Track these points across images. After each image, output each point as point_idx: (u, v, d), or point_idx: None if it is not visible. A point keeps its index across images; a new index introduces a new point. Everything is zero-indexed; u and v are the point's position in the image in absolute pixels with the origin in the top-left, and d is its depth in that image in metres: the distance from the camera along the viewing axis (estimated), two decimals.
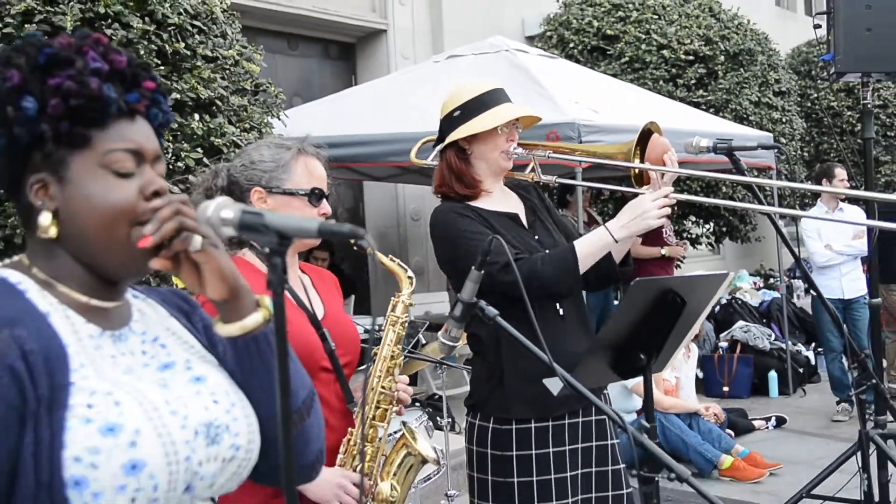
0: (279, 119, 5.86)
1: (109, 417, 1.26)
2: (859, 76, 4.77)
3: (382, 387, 2.41)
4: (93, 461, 1.23)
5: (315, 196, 2.43)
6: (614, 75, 9.28)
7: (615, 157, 2.90)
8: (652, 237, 8.12)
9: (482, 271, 2.25)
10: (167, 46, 4.77)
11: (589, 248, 2.76)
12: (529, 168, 3.03)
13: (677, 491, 5.84)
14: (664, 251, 8.10)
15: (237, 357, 1.46)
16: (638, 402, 6.47)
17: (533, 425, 2.80)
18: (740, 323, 9.40)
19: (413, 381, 6.76)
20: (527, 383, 2.70)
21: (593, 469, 2.89)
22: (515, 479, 2.78)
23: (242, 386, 1.47)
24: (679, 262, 9.02)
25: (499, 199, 2.97)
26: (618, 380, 2.59)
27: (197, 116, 4.86)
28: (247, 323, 1.41)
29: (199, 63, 4.98)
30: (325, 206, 2.43)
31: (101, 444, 1.24)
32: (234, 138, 5.01)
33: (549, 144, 3.03)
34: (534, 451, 2.79)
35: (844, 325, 7.75)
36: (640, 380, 6.11)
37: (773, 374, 8.74)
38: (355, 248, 2.57)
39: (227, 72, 5.25)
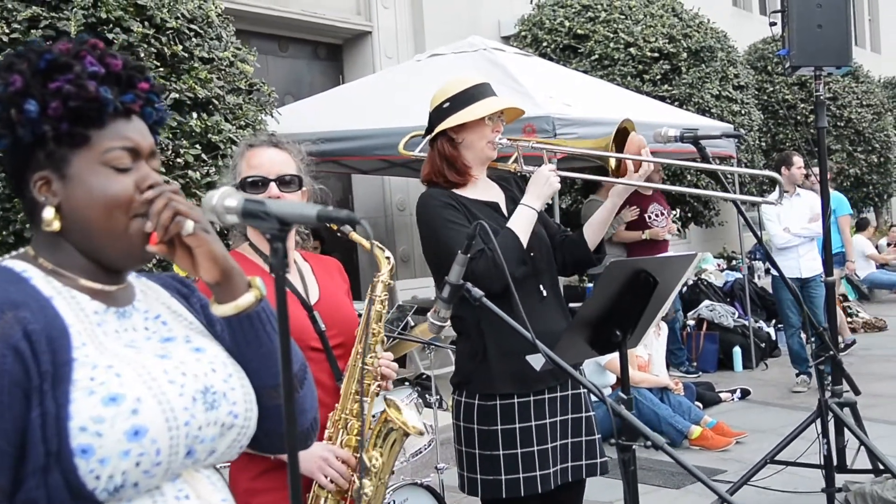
0: (272, 116, 5.85)
1: (111, 388, 1.28)
2: (812, 70, 4.83)
3: (365, 363, 2.41)
4: (98, 430, 1.25)
5: (249, 184, 2.40)
6: (585, 72, 9.30)
7: (595, 149, 2.93)
8: (635, 222, 8.18)
9: (468, 255, 2.26)
10: (166, 49, 4.75)
11: (521, 225, 2.86)
12: (512, 159, 3.05)
13: (651, 460, 5.89)
14: (645, 234, 8.15)
15: (232, 334, 1.48)
16: (611, 378, 6.50)
17: (516, 400, 2.82)
18: (706, 302, 9.46)
19: (402, 362, 6.78)
20: (509, 360, 2.73)
21: (569, 440, 2.93)
22: (501, 452, 2.80)
23: (238, 360, 1.49)
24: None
25: (482, 189, 3.00)
26: (595, 355, 2.61)
27: (195, 115, 4.86)
28: (240, 303, 1.45)
29: (196, 64, 4.96)
30: (271, 190, 2.39)
31: (104, 413, 1.26)
32: (231, 135, 5.00)
33: (531, 138, 3.05)
34: (517, 425, 2.82)
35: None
36: (613, 356, 6.17)
37: (737, 350, 8.81)
38: (339, 233, 2.60)
39: (223, 72, 5.23)
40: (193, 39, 5.03)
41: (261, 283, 1.47)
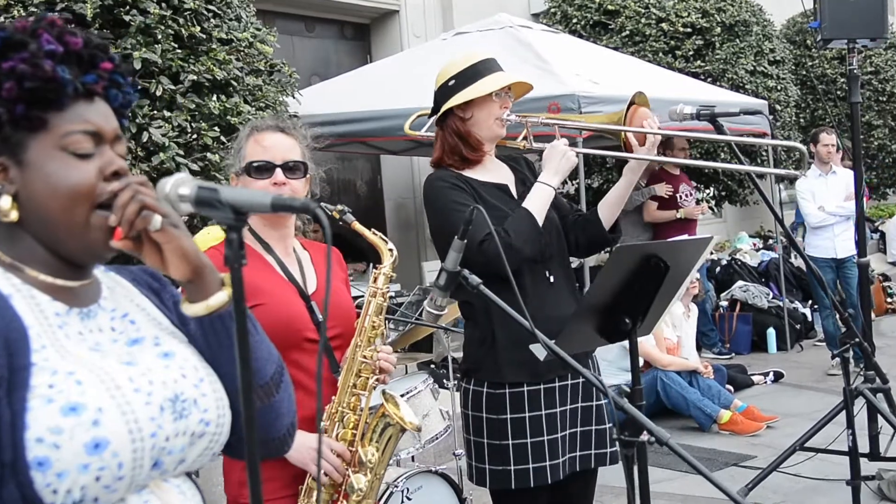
0: (294, 98, 5.79)
1: (71, 397, 1.20)
2: (845, 42, 4.66)
3: (363, 356, 2.34)
4: (55, 441, 1.17)
5: (255, 169, 2.34)
6: (615, 48, 9.12)
7: (605, 124, 2.82)
8: (667, 201, 8.04)
9: (465, 241, 2.17)
10: (183, 30, 4.69)
11: (538, 204, 2.75)
12: (522, 136, 2.95)
13: (680, 445, 5.78)
14: (679, 213, 8.01)
15: (204, 335, 1.39)
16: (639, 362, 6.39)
17: (526, 389, 2.74)
18: (739, 283, 9.28)
19: (429, 345, 6.70)
20: (518, 348, 2.63)
21: (578, 429, 2.84)
22: (510, 442, 2.72)
23: (211, 362, 1.41)
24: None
25: (491, 170, 2.90)
26: (604, 343, 2.51)
27: (214, 97, 4.80)
28: (211, 302, 1.35)
29: (214, 46, 4.90)
30: (277, 176, 2.33)
31: (63, 423, 1.18)
32: (250, 117, 4.94)
33: (540, 114, 2.95)
34: (527, 414, 2.73)
35: (838, 283, 7.68)
36: (641, 339, 6.04)
37: (771, 331, 8.64)
38: (340, 222, 2.53)
39: (242, 53, 5.17)
40: (212, 20, 4.97)
41: None
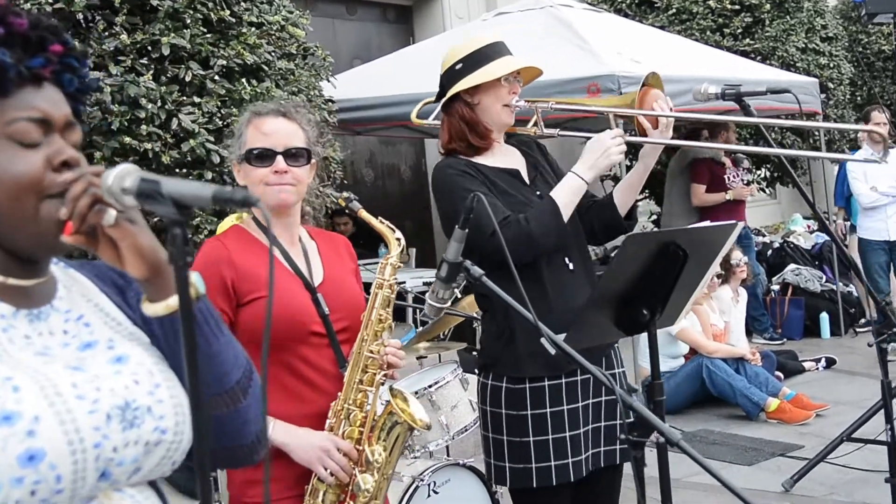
0: (328, 81, 5.68)
1: (6, 405, 1.11)
2: (891, 17, 4.42)
3: (370, 350, 2.23)
4: None
5: (255, 157, 2.23)
6: (661, 27, 8.88)
7: (616, 107, 2.67)
8: (715, 183, 7.81)
9: (466, 230, 2.04)
10: (213, 14, 4.61)
11: (566, 196, 2.61)
12: (532, 122, 2.81)
13: (725, 434, 5.60)
14: (729, 195, 7.78)
15: (165, 336, 1.29)
16: (683, 348, 6.20)
17: (546, 383, 2.61)
18: (791, 266, 9.00)
19: (473, 336, 6.58)
20: (538, 341, 2.49)
21: (602, 424, 2.71)
22: (531, 439, 2.60)
23: (173, 366, 1.31)
24: None
25: (501, 156, 2.77)
26: (621, 336, 2.36)
27: (245, 82, 4.72)
28: (171, 302, 1.25)
29: (244, 30, 4.82)
30: (278, 164, 2.22)
31: None
32: (282, 102, 4.86)
33: (550, 98, 2.80)
34: (548, 410, 2.60)
35: (892, 266, 7.39)
36: (684, 325, 5.85)
37: (824, 316, 8.36)
38: (346, 210, 2.41)
39: (273, 37, 5.08)
40: (242, 4, 4.88)
41: (198, 280, 1.27)
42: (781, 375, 6.59)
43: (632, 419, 2.68)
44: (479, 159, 2.71)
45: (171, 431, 1.25)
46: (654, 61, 6.28)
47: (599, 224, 2.77)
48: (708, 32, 9.13)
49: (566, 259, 2.67)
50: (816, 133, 8.61)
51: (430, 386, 3.52)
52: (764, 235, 10.56)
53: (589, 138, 2.65)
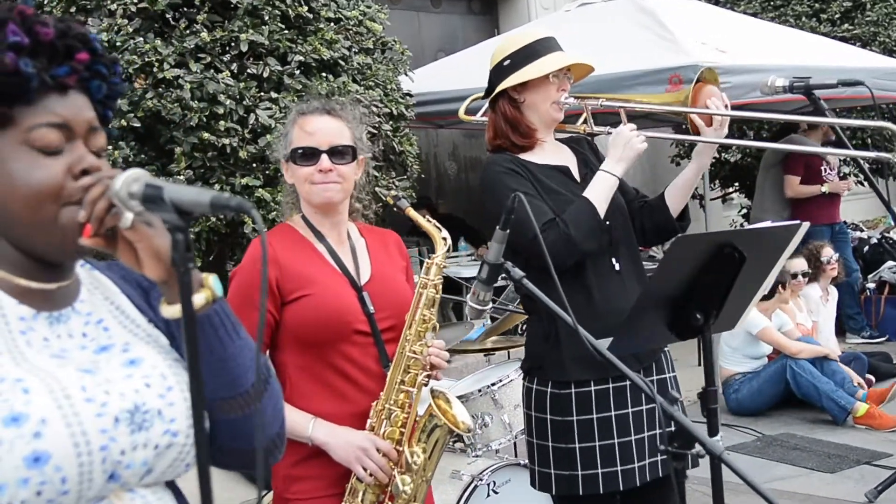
0: (406, 75, 5.69)
1: (15, 407, 1.13)
2: None
3: (413, 351, 2.21)
4: None
5: (299, 156, 2.24)
6: (754, 14, 8.60)
7: (670, 105, 2.59)
8: (811, 175, 7.54)
9: (507, 231, 2.00)
10: (290, 11, 4.67)
11: (599, 193, 2.55)
12: (582, 119, 2.74)
13: (807, 438, 5.41)
14: (825, 188, 7.53)
15: (181, 338, 1.30)
16: (765, 348, 5.99)
17: (593, 388, 2.55)
18: (889, 263, 8.60)
19: None
20: (584, 343, 2.43)
21: (657, 432, 2.61)
22: (577, 445, 2.54)
23: None
24: None
25: (550, 153, 2.71)
26: (674, 340, 2.27)
27: (322, 77, 4.76)
28: None
29: (322, 25, 4.86)
30: (322, 162, 2.21)
31: (3, 434, 1.11)
32: (358, 96, 4.88)
33: (602, 95, 2.72)
34: (595, 415, 2.54)
35: None
36: (766, 325, 5.65)
37: None
38: (395, 209, 2.40)
39: (351, 32, 5.11)
40: (320, 0, 4.92)
41: (215, 283, 1.27)
42: (873, 379, 6.32)
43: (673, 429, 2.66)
44: (526, 156, 2.66)
45: (183, 434, 1.27)
46: (741, 50, 6.09)
47: (651, 225, 2.70)
48: (803, 18, 8.82)
49: (612, 260, 2.61)
50: None
51: (493, 384, 3.49)
52: (862, 230, 10.13)
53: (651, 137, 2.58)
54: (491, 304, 2.08)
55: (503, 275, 1.97)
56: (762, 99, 5.16)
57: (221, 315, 1.30)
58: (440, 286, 2.27)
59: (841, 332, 7.17)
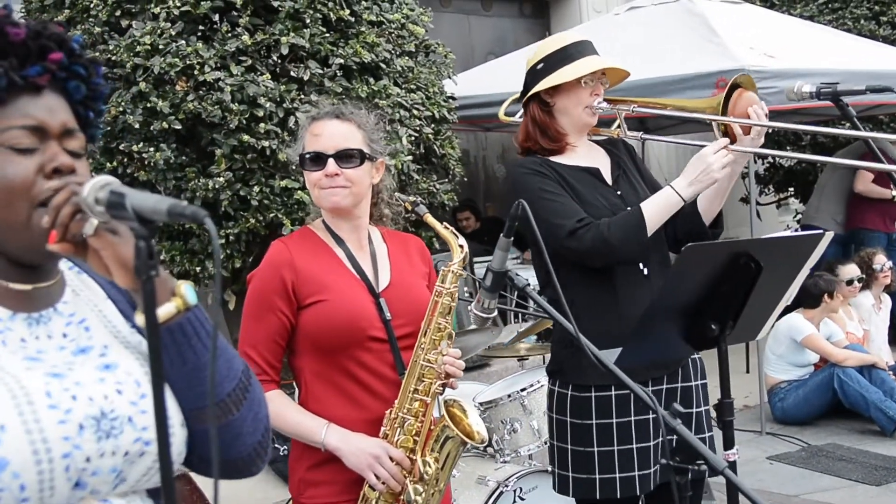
0: (449, 78, 5.66)
1: None
2: None
3: (427, 359, 2.18)
4: None
5: (308, 160, 2.22)
6: (811, 17, 8.37)
7: (703, 111, 2.51)
8: (882, 178, 7.33)
9: (510, 238, 1.96)
10: (332, 14, 4.68)
11: (656, 209, 2.46)
12: (616, 124, 2.68)
13: (854, 450, 5.25)
14: (894, 193, 7.31)
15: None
16: (812, 357, 5.83)
17: (613, 393, 2.50)
18: None
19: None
20: (604, 348, 2.38)
21: (676, 438, 2.53)
22: (595, 449, 2.50)
23: (169, 376, 1.29)
24: None
25: (582, 155, 2.67)
26: (691, 352, 2.21)
27: (363, 80, 4.76)
28: (160, 312, 1.22)
29: (363, 28, 4.86)
30: (329, 167, 2.19)
31: None
32: (399, 100, 4.88)
33: (636, 99, 2.66)
34: (614, 420, 2.50)
35: None
36: (811, 332, 5.50)
37: None
38: (413, 214, 2.37)
39: (393, 35, 5.10)
40: (363, 3, 4.92)
41: (187, 292, 1.25)
42: None
43: (706, 432, 2.59)
44: (558, 158, 2.62)
45: (157, 442, 1.25)
46: (791, 55, 5.94)
47: (682, 233, 2.60)
48: (862, 21, 8.54)
49: (641, 265, 2.55)
50: None
51: (522, 389, 3.45)
52: None
53: (670, 143, 2.51)
54: (496, 312, 2.05)
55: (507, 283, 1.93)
56: (809, 104, 5.02)
57: (195, 324, 1.27)
58: (456, 294, 2.23)
59: (894, 341, 6.96)
